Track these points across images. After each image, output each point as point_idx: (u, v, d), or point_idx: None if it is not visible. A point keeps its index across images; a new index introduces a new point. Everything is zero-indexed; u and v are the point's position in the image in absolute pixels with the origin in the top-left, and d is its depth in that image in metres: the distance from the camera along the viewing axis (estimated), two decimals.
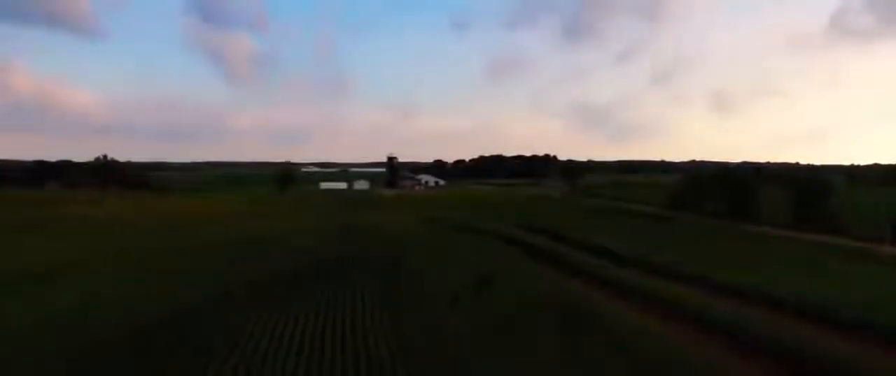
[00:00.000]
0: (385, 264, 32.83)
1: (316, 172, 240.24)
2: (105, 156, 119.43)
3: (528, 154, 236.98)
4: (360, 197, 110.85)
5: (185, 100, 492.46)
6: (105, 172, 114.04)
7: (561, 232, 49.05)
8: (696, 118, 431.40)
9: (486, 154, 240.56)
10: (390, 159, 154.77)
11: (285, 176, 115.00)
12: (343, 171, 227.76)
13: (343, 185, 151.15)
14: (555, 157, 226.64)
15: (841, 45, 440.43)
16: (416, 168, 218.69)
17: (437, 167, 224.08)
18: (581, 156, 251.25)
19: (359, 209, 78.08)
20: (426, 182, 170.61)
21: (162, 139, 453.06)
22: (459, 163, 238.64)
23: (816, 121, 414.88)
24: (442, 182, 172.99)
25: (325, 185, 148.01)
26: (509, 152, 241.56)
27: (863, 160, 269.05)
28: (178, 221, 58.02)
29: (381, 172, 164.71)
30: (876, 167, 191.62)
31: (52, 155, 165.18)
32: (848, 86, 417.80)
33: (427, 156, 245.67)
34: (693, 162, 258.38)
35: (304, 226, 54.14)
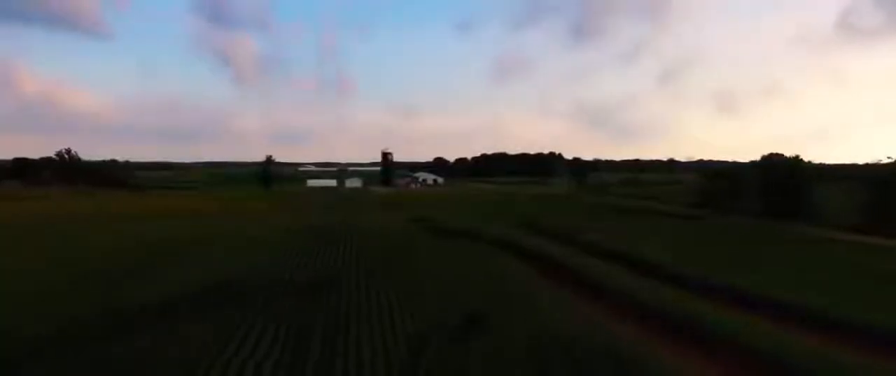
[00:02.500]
0: (330, 286, 22.61)
1: (313, 171, 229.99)
2: (68, 151, 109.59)
3: (532, 152, 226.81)
4: (349, 195, 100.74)
5: (190, 101, 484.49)
6: (70, 169, 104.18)
7: (576, 236, 38.78)
8: (701, 117, 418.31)
9: (489, 153, 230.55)
10: (385, 155, 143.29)
11: (267, 173, 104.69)
12: (341, 171, 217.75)
13: (333, 183, 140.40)
14: (559, 156, 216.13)
15: (848, 44, 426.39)
16: (415, 165, 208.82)
17: (438, 165, 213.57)
18: (585, 155, 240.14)
19: (340, 208, 68.10)
20: (424, 180, 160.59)
21: (167, 140, 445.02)
22: (461, 161, 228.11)
23: (824, 121, 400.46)
24: (440, 180, 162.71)
25: (312, 183, 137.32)
26: (513, 151, 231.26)
27: (875, 159, 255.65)
28: (107, 221, 48.04)
29: (378, 170, 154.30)
30: (892, 166, 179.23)
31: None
32: (855, 85, 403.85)
33: (430, 156, 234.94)
34: (700, 161, 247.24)
35: (260, 227, 44.02)
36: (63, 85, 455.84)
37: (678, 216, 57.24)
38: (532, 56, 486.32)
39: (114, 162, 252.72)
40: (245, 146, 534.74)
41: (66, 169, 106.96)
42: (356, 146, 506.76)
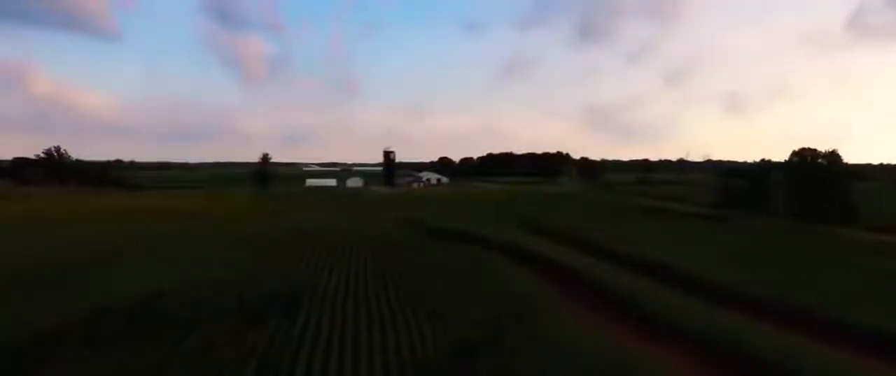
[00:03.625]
0: (290, 303, 18.05)
1: (316, 170, 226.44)
2: (58, 149, 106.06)
3: (538, 152, 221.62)
4: (347, 195, 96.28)
5: (197, 101, 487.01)
6: (59, 168, 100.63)
7: (590, 240, 34.01)
8: (709, 118, 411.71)
9: (495, 152, 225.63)
10: (387, 155, 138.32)
11: (262, 172, 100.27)
12: (344, 170, 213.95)
13: (332, 183, 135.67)
14: (567, 156, 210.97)
15: (858, 43, 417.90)
16: (420, 165, 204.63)
17: (443, 165, 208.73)
18: (592, 155, 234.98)
19: (334, 208, 63.71)
20: (428, 180, 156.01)
21: (173, 140, 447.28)
22: (466, 160, 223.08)
23: (835, 120, 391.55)
24: (445, 179, 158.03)
25: (311, 182, 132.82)
26: (519, 151, 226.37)
27: (888, 159, 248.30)
28: (70, 220, 43.93)
29: (381, 170, 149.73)
30: None
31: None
32: (866, 85, 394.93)
33: (436, 156, 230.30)
34: (709, 160, 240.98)
35: (234, 228, 39.63)
36: (71, 85, 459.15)
37: (704, 217, 52.56)
38: (538, 56, 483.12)
39: (118, 162, 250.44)
40: (251, 146, 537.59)
41: (55, 168, 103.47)
42: (362, 146, 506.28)
